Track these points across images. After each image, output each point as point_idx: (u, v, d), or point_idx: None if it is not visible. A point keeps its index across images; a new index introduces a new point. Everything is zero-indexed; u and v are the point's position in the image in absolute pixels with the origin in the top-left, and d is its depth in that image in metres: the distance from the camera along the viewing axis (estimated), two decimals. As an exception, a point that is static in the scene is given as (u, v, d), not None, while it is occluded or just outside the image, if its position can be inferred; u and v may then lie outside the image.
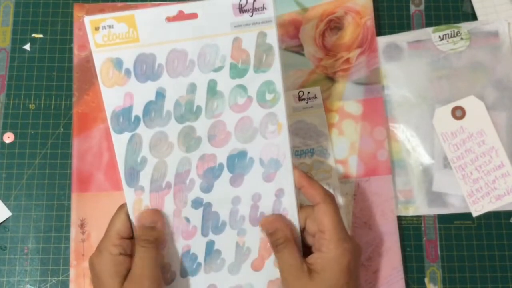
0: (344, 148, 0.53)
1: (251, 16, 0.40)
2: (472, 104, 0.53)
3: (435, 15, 0.57)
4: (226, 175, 0.43)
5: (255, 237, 0.44)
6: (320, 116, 0.53)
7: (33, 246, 0.51)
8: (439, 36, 0.55)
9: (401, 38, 0.55)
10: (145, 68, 0.40)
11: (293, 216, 0.44)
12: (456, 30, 0.55)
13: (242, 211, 0.44)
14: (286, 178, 0.43)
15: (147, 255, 0.41)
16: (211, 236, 0.44)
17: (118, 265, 0.41)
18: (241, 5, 0.40)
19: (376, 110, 0.54)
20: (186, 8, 0.39)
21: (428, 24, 0.56)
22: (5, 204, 0.51)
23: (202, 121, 0.41)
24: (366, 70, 0.55)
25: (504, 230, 0.52)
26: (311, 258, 0.42)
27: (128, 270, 0.42)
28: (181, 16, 0.40)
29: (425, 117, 0.54)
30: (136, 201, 0.42)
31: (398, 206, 0.52)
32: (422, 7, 0.57)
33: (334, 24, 0.56)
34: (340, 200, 0.51)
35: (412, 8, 0.57)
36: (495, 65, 0.54)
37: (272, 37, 0.40)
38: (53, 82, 0.54)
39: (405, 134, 0.53)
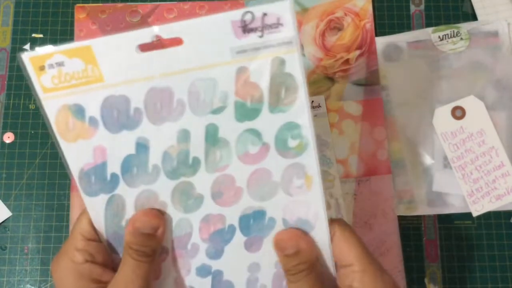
0: (344, 148, 0.53)
1: (261, 36, 0.29)
2: (472, 104, 0.53)
3: (435, 15, 0.57)
4: (239, 238, 0.34)
5: None
6: (324, 126, 0.53)
7: (33, 246, 0.51)
8: (439, 36, 0.55)
9: (401, 38, 0.55)
10: (117, 115, 0.31)
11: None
12: (456, 30, 0.55)
13: (263, 279, 0.35)
14: (320, 241, 0.33)
15: (140, 271, 0.32)
16: None
17: (81, 276, 0.32)
18: (244, 21, 0.28)
19: (376, 111, 0.54)
20: (166, 31, 0.29)
21: (428, 24, 0.56)
22: (5, 204, 0.51)
23: (203, 175, 0.32)
24: (365, 72, 0.55)
25: (504, 230, 0.52)
26: None
27: (96, 283, 0.32)
28: (159, 44, 0.30)
29: (425, 117, 0.54)
30: None
31: (398, 206, 0.52)
32: (422, 7, 0.57)
33: (334, 25, 0.56)
34: (342, 203, 0.51)
35: (412, 8, 0.57)
36: (495, 65, 0.54)
37: (294, 64, 0.29)
38: (53, 82, 0.54)
39: (405, 134, 0.53)
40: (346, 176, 0.52)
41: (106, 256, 0.34)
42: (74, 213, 0.50)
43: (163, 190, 0.33)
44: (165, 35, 0.29)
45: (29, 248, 0.51)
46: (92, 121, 0.31)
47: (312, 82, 0.54)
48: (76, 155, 0.32)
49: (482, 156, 0.52)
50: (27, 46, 0.55)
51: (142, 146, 0.32)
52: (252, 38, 0.29)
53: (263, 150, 0.32)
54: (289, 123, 0.31)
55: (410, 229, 0.52)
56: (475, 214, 0.52)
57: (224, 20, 0.28)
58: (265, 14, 0.28)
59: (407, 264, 0.51)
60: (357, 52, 0.55)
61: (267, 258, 0.34)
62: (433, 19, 0.57)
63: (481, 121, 0.53)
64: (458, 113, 0.53)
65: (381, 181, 0.52)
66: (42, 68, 0.30)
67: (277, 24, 0.28)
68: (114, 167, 0.32)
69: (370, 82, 0.54)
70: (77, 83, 0.30)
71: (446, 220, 0.52)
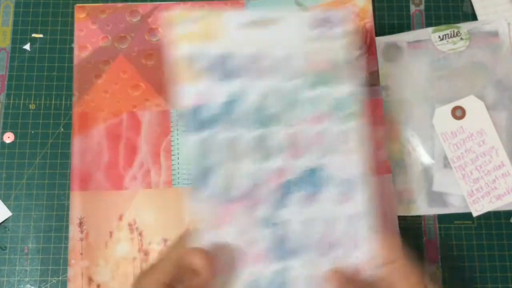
0: (344, 148, 0.53)
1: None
2: (472, 104, 0.53)
3: (435, 15, 0.57)
4: (299, 193, 0.39)
5: (321, 269, 0.39)
6: None
7: (33, 246, 0.51)
8: (439, 36, 0.55)
9: (401, 38, 0.55)
10: (225, 67, 0.39)
11: (368, 245, 0.40)
12: (456, 30, 0.55)
13: (312, 237, 0.39)
14: (362, 200, 0.40)
15: None
16: (278, 265, 0.39)
17: None
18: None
19: (376, 111, 0.54)
20: (270, 14, 0.41)
21: (428, 24, 0.56)
22: (5, 204, 0.51)
23: (280, 129, 0.39)
24: (365, 72, 0.55)
25: (504, 230, 0.52)
26: None
27: None
28: (265, 22, 0.41)
29: (425, 117, 0.54)
30: (196, 213, 0.38)
31: (398, 206, 0.52)
32: (422, 7, 0.57)
33: (334, 24, 0.56)
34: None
35: (412, 8, 0.57)
36: (495, 65, 0.54)
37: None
38: (53, 82, 0.54)
39: (405, 134, 0.53)
40: (346, 176, 0.52)
41: None
42: (74, 213, 0.50)
43: (248, 136, 0.39)
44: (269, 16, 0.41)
45: (29, 248, 0.51)
46: (207, 68, 0.39)
47: (312, 82, 0.54)
48: (187, 94, 0.39)
49: (482, 156, 0.52)
50: (27, 46, 0.55)
51: (238, 97, 0.39)
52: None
53: (327, 114, 0.40)
54: (351, 91, 0.41)
55: (410, 229, 0.52)
56: (475, 214, 0.51)
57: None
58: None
59: (407, 264, 0.51)
60: (357, 52, 0.55)
61: (318, 214, 0.39)
62: (433, 19, 0.57)
63: (481, 121, 0.53)
64: (458, 113, 0.53)
65: (381, 180, 0.52)
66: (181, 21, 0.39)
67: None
68: (214, 110, 0.39)
69: (370, 82, 0.54)
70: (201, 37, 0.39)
71: (446, 220, 0.52)
